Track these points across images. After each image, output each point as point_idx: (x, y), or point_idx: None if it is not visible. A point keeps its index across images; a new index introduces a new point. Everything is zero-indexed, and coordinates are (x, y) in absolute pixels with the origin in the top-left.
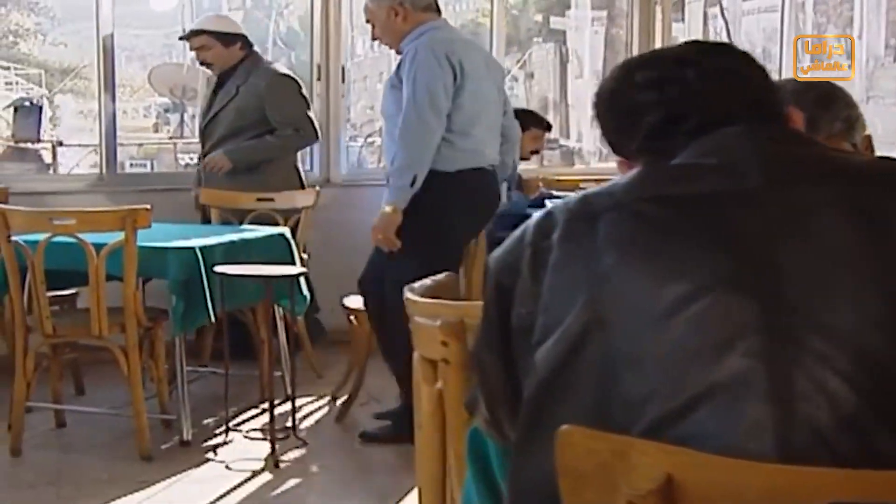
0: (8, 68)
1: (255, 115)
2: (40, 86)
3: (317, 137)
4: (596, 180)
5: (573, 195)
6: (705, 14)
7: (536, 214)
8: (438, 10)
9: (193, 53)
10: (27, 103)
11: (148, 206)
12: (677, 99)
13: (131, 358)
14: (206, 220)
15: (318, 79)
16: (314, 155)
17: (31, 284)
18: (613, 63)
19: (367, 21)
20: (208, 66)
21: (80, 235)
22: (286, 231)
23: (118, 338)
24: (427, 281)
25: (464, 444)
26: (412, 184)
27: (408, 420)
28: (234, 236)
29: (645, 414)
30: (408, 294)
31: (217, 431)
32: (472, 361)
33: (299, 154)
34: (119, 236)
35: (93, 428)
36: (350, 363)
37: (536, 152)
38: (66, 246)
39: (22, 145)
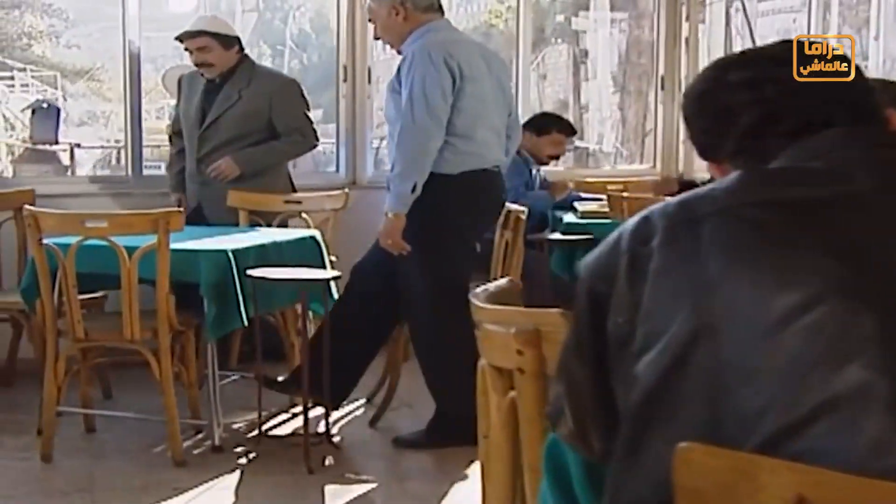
0: (24, 70)
1: (260, 120)
2: (55, 88)
3: (317, 143)
4: (623, 183)
5: (669, 200)
6: (728, 15)
7: (631, 220)
8: (441, 10)
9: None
10: (45, 105)
11: (181, 209)
12: (774, 99)
13: (163, 362)
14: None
15: (345, 80)
16: (340, 156)
17: (61, 288)
18: (637, 64)
19: (370, 20)
20: (207, 67)
21: (112, 238)
22: (317, 234)
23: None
24: (490, 286)
25: (539, 455)
26: (413, 190)
27: (443, 425)
28: (266, 239)
29: (760, 428)
30: (474, 300)
31: (248, 436)
32: (559, 371)
33: (326, 156)
34: (150, 239)
35: (123, 433)
36: (385, 367)
37: (556, 158)
38: (94, 249)
39: (40, 147)
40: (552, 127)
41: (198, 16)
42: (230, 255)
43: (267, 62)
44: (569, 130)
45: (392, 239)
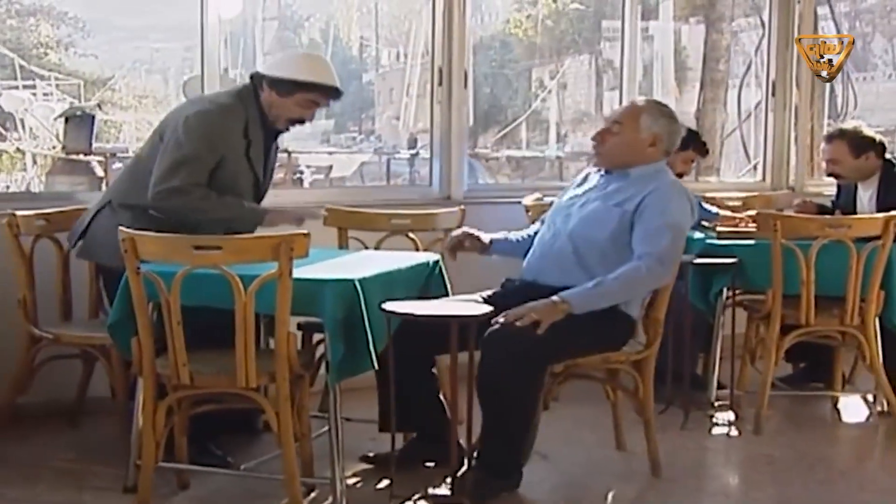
0: (47, 78)
1: None
2: (76, 97)
3: None
4: (743, 199)
5: None
6: (815, 14)
7: None
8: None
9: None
10: (78, 113)
11: (306, 232)
12: None
13: (283, 413)
14: None
15: (440, 84)
16: (433, 170)
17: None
18: (716, 70)
19: (616, 122)
20: (296, 125)
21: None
22: (439, 258)
23: None
24: None
25: None
26: None
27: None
28: (390, 265)
29: None
30: None
31: (372, 499)
32: None
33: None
34: (267, 268)
35: (220, 491)
36: None
37: (681, 175)
38: (196, 278)
39: (73, 157)
40: (689, 143)
41: (324, 62)
42: (357, 285)
43: None
44: (702, 149)
45: (542, 323)
